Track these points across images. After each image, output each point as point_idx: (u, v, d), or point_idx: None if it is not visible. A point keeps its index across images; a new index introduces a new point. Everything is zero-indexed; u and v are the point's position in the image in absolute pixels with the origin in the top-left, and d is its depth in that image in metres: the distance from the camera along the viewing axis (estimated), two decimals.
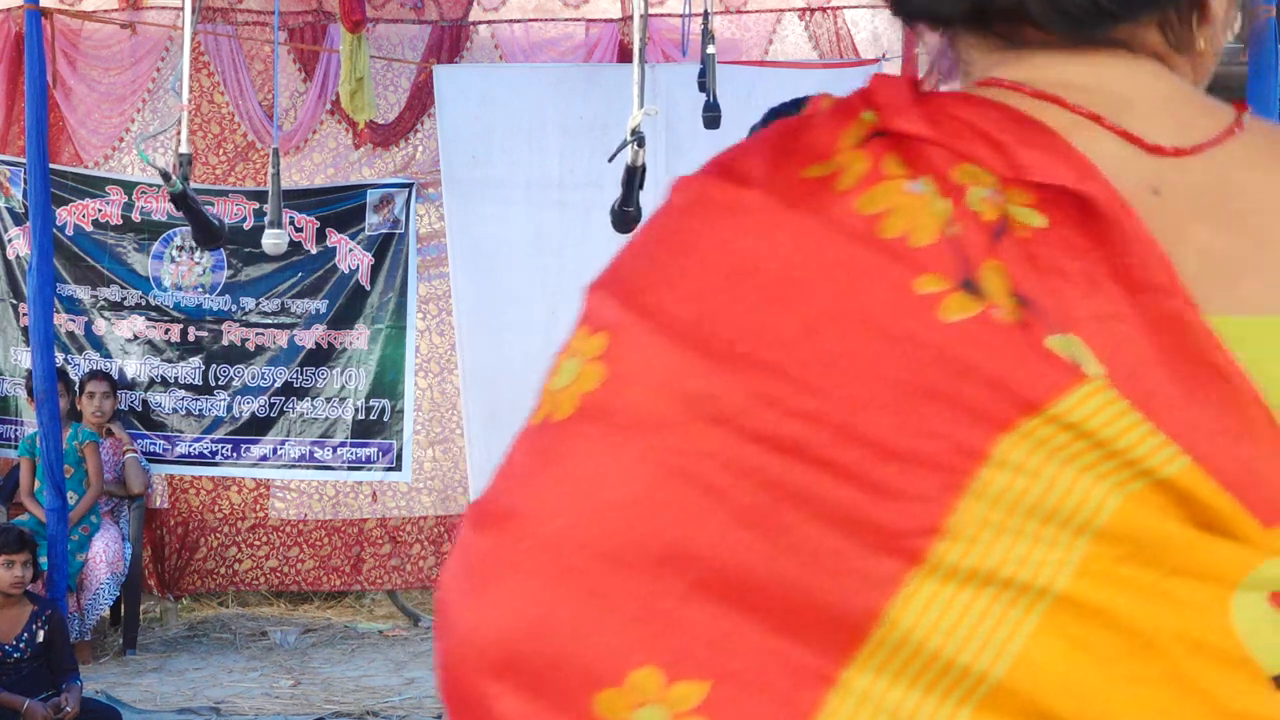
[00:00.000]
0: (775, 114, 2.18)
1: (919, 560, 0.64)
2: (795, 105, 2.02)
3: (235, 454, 7.17)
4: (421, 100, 7.22)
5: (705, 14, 4.90)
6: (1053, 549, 0.64)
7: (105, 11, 7.28)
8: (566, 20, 7.46)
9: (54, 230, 5.91)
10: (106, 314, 7.11)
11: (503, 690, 0.67)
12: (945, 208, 0.71)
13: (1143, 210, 0.72)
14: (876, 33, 7.48)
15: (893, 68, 7.02)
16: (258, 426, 7.18)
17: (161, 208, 6.98)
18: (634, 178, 3.96)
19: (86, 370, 6.93)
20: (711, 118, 4.52)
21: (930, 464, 0.65)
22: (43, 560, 5.42)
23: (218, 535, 7.40)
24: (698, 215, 0.73)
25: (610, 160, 3.97)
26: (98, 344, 7.11)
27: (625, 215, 4.00)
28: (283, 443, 7.13)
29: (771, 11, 7.45)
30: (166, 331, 7.14)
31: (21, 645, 4.91)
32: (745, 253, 0.71)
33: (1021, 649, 0.63)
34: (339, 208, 7.17)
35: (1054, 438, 0.65)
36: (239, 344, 7.17)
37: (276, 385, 7.15)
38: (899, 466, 0.65)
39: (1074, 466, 0.65)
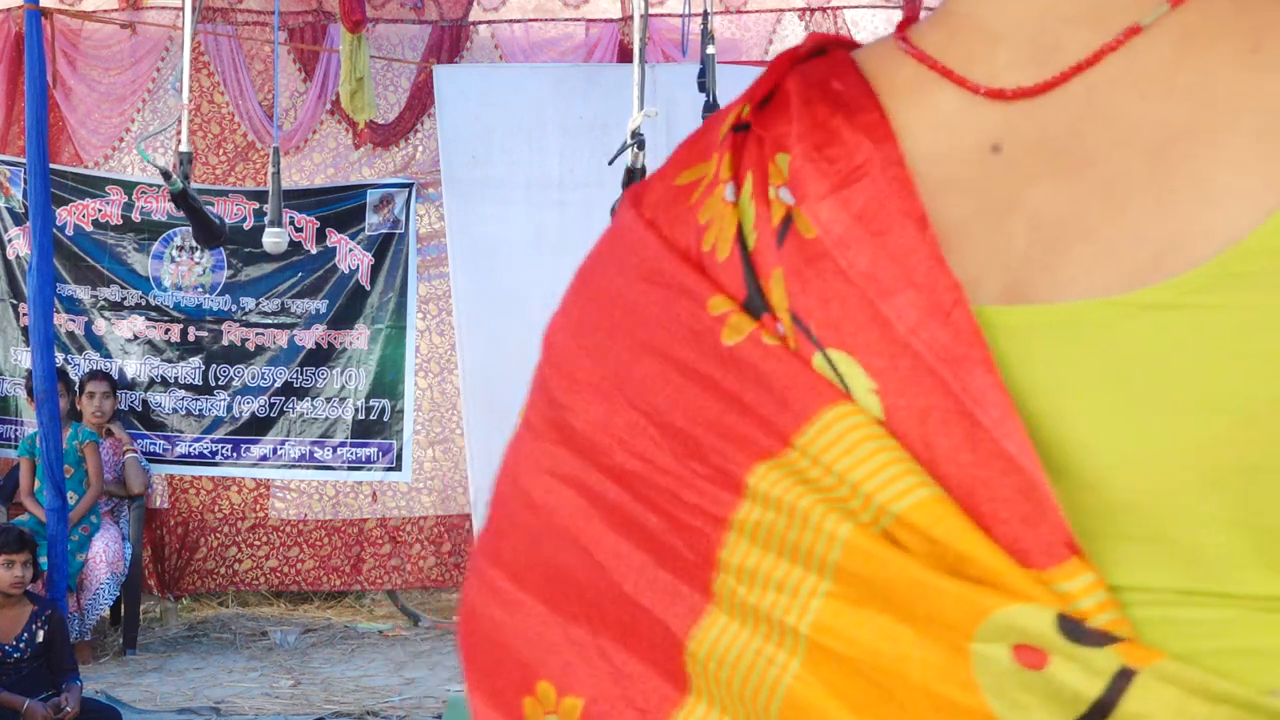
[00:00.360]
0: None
1: (710, 593, 0.63)
2: None
3: (235, 454, 7.17)
4: (421, 100, 7.23)
5: (705, 14, 4.90)
6: (801, 586, 0.60)
7: (105, 11, 7.28)
8: (566, 20, 7.46)
9: (54, 230, 5.91)
10: (106, 314, 7.11)
11: (469, 687, 0.73)
12: (753, 212, 0.67)
13: (975, 176, 0.64)
14: (876, 33, 7.48)
15: None
16: (258, 426, 7.18)
17: (161, 208, 6.99)
18: (634, 179, 3.96)
19: (86, 370, 6.93)
20: None
21: (705, 496, 0.63)
22: (43, 560, 5.42)
23: (218, 535, 7.40)
24: (600, 240, 0.75)
25: (610, 163, 3.97)
26: (98, 344, 7.11)
27: None
28: (283, 443, 7.13)
29: (771, 11, 7.45)
30: (166, 331, 7.14)
31: (21, 645, 4.91)
32: (610, 278, 0.71)
33: (787, 691, 0.60)
34: (339, 208, 7.17)
35: (808, 469, 0.61)
36: (239, 344, 7.18)
37: (276, 385, 7.15)
38: (685, 498, 0.64)
39: (815, 498, 0.60)
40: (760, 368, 0.63)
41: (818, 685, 0.59)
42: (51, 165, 5.88)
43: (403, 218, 7.18)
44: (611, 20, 7.39)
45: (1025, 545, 0.57)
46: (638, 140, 3.89)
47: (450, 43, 7.31)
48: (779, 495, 0.61)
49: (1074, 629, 0.55)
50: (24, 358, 6.84)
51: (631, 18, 5.23)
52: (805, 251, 0.64)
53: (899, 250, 0.62)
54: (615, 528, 0.66)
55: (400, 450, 7.16)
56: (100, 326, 7.12)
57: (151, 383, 7.14)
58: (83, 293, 7.09)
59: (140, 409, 7.13)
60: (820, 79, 0.70)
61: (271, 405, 7.18)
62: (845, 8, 7.42)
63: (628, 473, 0.66)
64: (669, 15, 7.07)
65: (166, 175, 3.87)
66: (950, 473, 0.59)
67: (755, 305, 0.65)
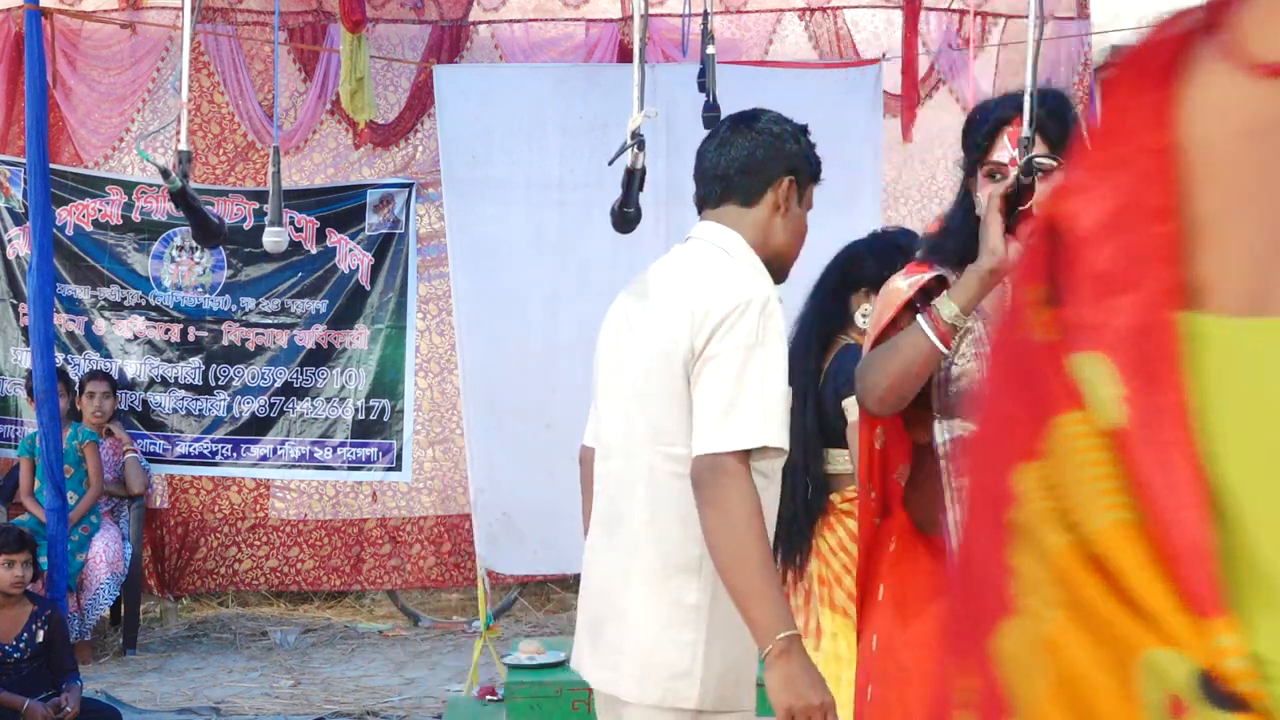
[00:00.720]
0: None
1: (1010, 597, 0.63)
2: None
3: (235, 454, 7.16)
4: (421, 100, 7.22)
5: (705, 14, 4.89)
6: (1047, 594, 0.60)
7: (105, 11, 7.27)
8: (566, 20, 7.45)
9: (54, 230, 5.90)
10: (106, 314, 7.11)
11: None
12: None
13: (1233, 164, 0.58)
14: (876, 32, 7.47)
15: (893, 68, 7.02)
16: (258, 426, 7.17)
17: (161, 208, 6.98)
18: (634, 179, 3.95)
19: (86, 370, 6.93)
20: (711, 118, 4.51)
21: (998, 493, 0.64)
22: (42, 560, 5.42)
23: (218, 535, 7.40)
24: None
25: (610, 164, 3.95)
26: (98, 344, 7.11)
27: (625, 216, 3.99)
28: (283, 443, 7.12)
29: (771, 11, 7.44)
30: (166, 331, 7.14)
31: (21, 645, 4.91)
32: None
33: (1035, 703, 0.59)
34: (339, 208, 7.16)
35: (1053, 475, 0.60)
36: (239, 344, 7.17)
37: (276, 385, 7.15)
38: (991, 490, 0.65)
39: (1044, 506, 0.59)
40: (1037, 363, 0.62)
41: (1052, 703, 0.58)
42: (51, 165, 5.87)
43: (403, 218, 7.17)
44: (611, 20, 7.39)
45: (1197, 588, 0.54)
46: (637, 140, 3.88)
47: (450, 43, 7.31)
48: (1029, 499, 0.60)
49: (1209, 687, 0.52)
50: (24, 358, 6.83)
51: (631, 18, 5.22)
52: (1075, 247, 0.62)
53: (1133, 248, 0.59)
54: (974, 512, 0.68)
55: (400, 450, 7.16)
56: (100, 326, 7.12)
57: (151, 383, 7.14)
58: (83, 293, 7.09)
59: (140, 409, 7.13)
60: (1153, 54, 0.66)
61: (271, 405, 7.17)
62: (845, 8, 7.41)
63: (974, 459, 0.68)
64: (669, 15, 7.06)
65: (165, 174, 3.86)
66: (1154, 496, 0.55)
67: (1053, 297, 0.63)
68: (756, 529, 2.24)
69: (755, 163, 2.53)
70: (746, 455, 2.29)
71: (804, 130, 2.61)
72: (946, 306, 2.26)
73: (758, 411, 2.30)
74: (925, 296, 2.45)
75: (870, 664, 2.50)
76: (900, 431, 2.56)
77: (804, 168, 2.57)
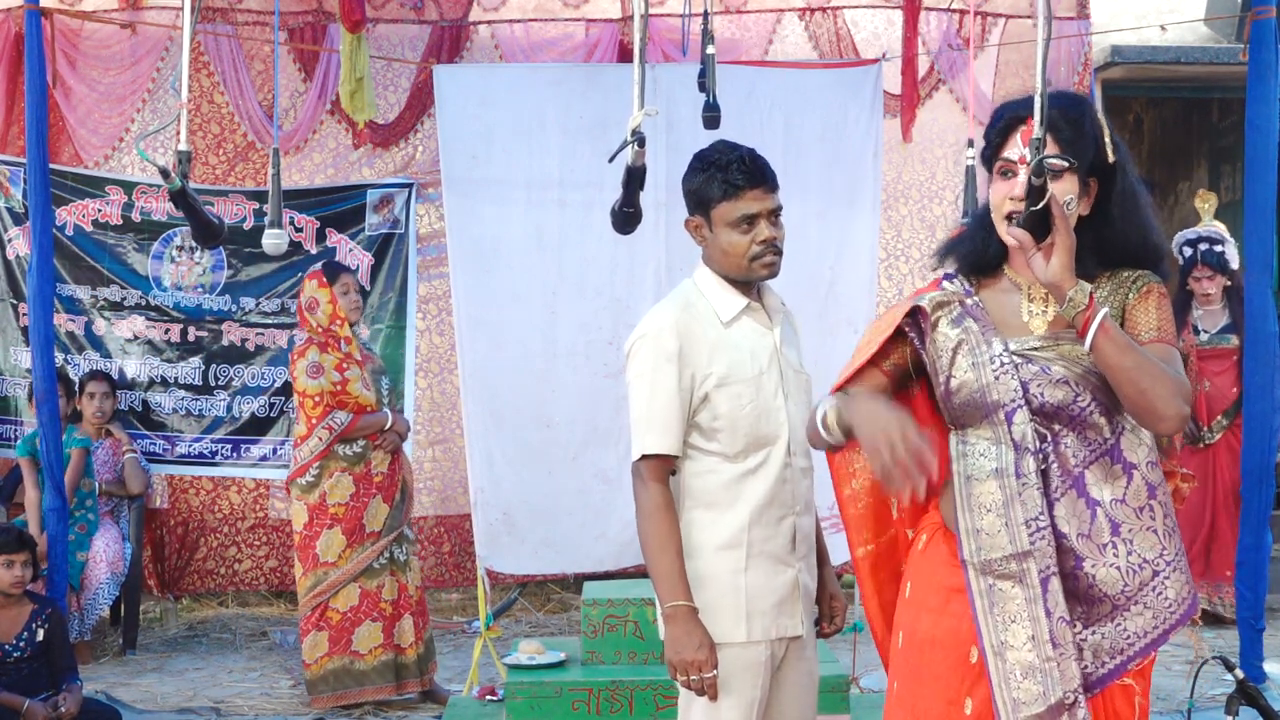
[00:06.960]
0: None
1: None
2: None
3: (235, 454, 7.16)
4: (421, 100, 7.22)
5: (705, 14, 4.89)
6: None
7: (105, 11, 7.27)
8: (566, 20, 7.45)
9: (54, 230, 5.90)
10: (106, 314, 7.10)
11: None
12: None
13: None
14: (876, 32, 7.47)
15: (893, 68, 7.02)
16: (258, 426, 7.17)
17: (162, 208, 6.98)
18: (634, 178, 3.95)
19: (86, 370, 6.93)
20: (711, 118, 4.51)
21: None
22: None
23: (218, 535, 7.40)
24: None
25: (610, 161, 3.95)
26: (98, 344, 7.11)
27: (625, 216, 3.99)
28: (283, 443, 7.12)
29: (771, 11, 7.44)
30: (166, 331, 7.14)
31: (21, 645, 4.91)
32: None
33: None
34: (339, 208, 7.16)
35: None
36: (239, 344, 7.17)
37: (276, 385, 7.15)
38: None
39: None
40: None
41: None
42: (51, 165, 5.87)
43: (403, 218, 7.17)
44: (611, 20, 7.39)
45: None
46: (638, 139, 3.88)
47: (450, 43, 7.31)
48: None
49: None
50: (24, 358, 6.83)
51: (631, 18, 5.22)
52: None
53: None
54: None
55: None
56: (100, 326, 7.12)
57: (151, 383, 7.14)
58: (83, 293, 7.09)
59: (140, 409, 7.13)
60: None
61: (271, 405, 7.18)
62: (845, 8, 7.41)
63: None
64: (669, 15, 7.06)
65: (165, 174, 3.86)
66: None
67: None
68: (653, 521, 2.82)
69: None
70: (647, 461, 2.85)
71: (701, 161, 2.94)
72: (831, 412, 2.41)
73: (643, 426, 2.87)
74: (939, 303, 2.48)
75: (896, 660, 2.53)
76: (944, 450, 2.57)
77: (702, 201, 2.92)
